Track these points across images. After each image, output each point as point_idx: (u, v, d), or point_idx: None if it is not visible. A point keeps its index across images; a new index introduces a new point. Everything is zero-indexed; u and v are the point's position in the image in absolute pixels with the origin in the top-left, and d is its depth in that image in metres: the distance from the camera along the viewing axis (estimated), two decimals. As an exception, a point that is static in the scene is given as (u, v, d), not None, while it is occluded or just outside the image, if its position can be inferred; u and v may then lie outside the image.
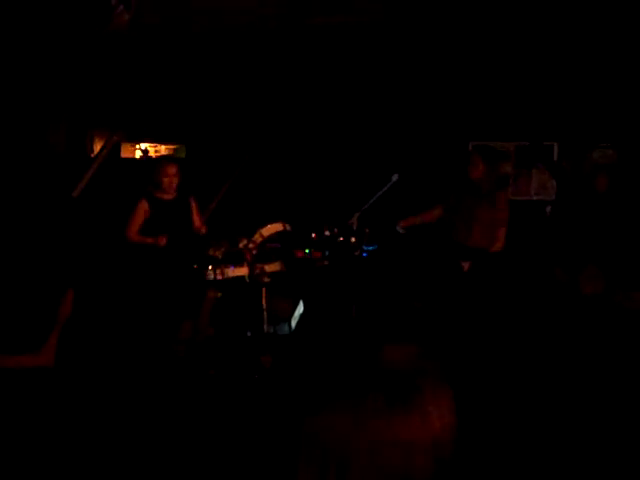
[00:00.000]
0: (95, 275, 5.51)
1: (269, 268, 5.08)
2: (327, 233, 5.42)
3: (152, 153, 7.40)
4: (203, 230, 5.43)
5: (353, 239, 5.15)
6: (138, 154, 7.41)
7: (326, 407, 0.96)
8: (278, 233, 5.17)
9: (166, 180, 5.22)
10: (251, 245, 4.97)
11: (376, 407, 1.00)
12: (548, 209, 7.47)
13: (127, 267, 5.35)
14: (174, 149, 7.51)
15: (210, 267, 4.93)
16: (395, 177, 5.08)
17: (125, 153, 7.37)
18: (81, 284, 4.93)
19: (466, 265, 5.37)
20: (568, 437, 3.79)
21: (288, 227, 5.21)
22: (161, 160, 5.85)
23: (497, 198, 5.47)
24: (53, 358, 4.34)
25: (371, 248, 5.31)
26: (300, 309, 5.41)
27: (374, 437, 0.98)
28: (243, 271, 5.01)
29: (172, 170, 5.26)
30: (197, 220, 5.45)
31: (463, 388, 4.42)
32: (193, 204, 5.47)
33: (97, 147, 7.11)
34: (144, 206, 5.23)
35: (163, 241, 5.09)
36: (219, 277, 4.94)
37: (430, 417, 1.03)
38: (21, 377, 3.91)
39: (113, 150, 6.95)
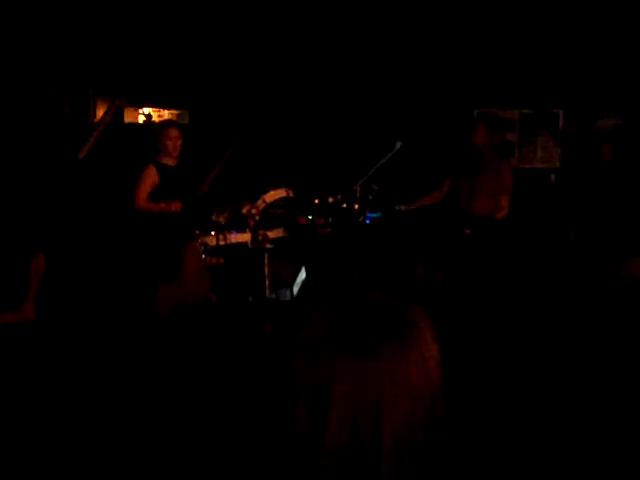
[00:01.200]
0: (77, 234, 5.56)
1: (272, 234, 5.08)
2: (330, 200, 5.41)
3: (155, 118, 7.36)
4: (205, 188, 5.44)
5: (356, 206, 5.14)
6: (141, 119, 7.38)
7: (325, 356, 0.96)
8: (281, 199, 5.16)
9: (169, 143, 5.16)
10: (254, 211, 4.96)
11: (375, 347, 1.01)
12: (552, 177, 7.45)
13: (129, 231, 5.35)
14: (177, 114, 7.48)
15: (213, 232, 4.94)
16: (399, 144, 5.06)
17: (128, 118, 7.34)
18: (60, 243, 5.01)
19: (468, 232, 5.37)
20: (563, 414, 3.83)
21: (291, 193, 5.20)
22: (162, 123, 5.78)
23: (501, 166, 5.46)
24: (33, 313, 4.42)
25: (374, 215, 5.30)
26: (302, 275, 5.42)
27: (389, 377, 0.99)
28: (246, 237, 5.01)
29: (175, 132, 5.21)
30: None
31: (461, 358, 4.46)
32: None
33: (100, 112, 7.08)
34: (152, 172, 5.17)
35: (177, 207, 5.05)
36: (222, 243, 4.95)
37: (429, 354, 1.05)
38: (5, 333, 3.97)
39: (116, 115, 6.92)
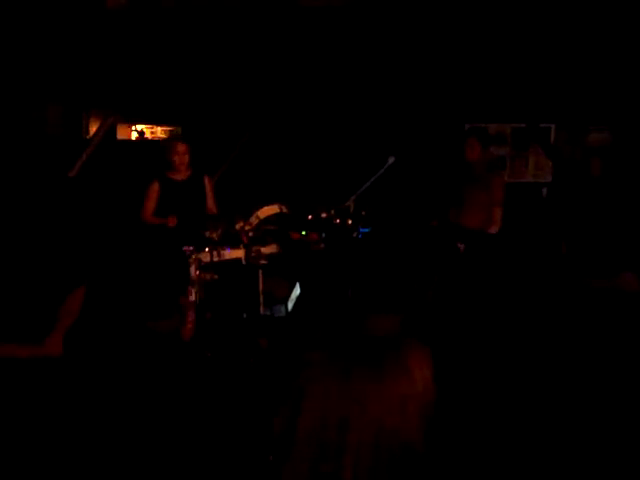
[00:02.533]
0: (106, 267, 5.51)
1: (265, 250, 5.07)
2: (323, 215, 5.42)
3: (148, 134, 7.38)
4: (214, 210, 5.53)
5: (349, 221, 5.15)
6: (134, 135, 7.39)
7: (316, 374, 0.95)
8: (275, 215, 5.16)
9: (177, 158, 5.39)
10: (247, 227, 4.96)
11: (363, 369, 0.99)
12: (544, 191, 7.48)
13: (133, 250, 5.41)
14: (170, 131, 7.49)
15: (207, 249, 4.93)
16: (391, 159, 5.08)
17: (121, 134, 7.35)
18: (92, 276, 4.94)
19: (462, 247, 5.38)
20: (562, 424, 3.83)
21: (284, 209, 5.20)
22: (171, 139, 6.03)
23: (493, 180, 5.48)
24: (60, 349, 4.34)
25: (366, 230, 5.31)
26: (297, 291, 5.41)
27: (366, 396, 0.97)
28: (239, 253, 5.00)
29: (182, 148, 5.42)
30: (210, 200, 5.54)
31: (456, 370, 4.46)
32: (207, 184, 5.56)
33: (93, 129, 7.08)
34: (155, 187, 5.40)
35: (173, 222, 5.21)
36: (215, 259, 4.94)
37: (413, 374, 1.02)
38: (27, 367, 3.92)
39: (109, 131, 6.92)
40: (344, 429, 1.00)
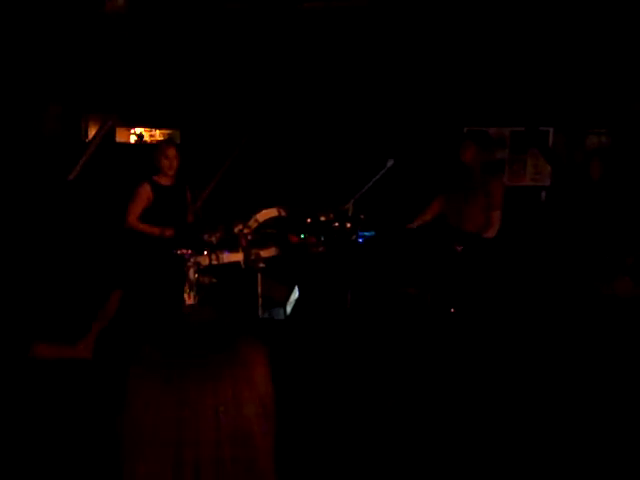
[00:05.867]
0: (140, 274, 5.47)
1: (264, 253, 5.07)
2: (322, 218, 5.41)
3: (147, 138, 7.38)
4: (190, 219, 5.49)
5: (348, 225, 5.15)
6: (133, 139, 7.39)
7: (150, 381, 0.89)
8: (273, 218, 5.16)
9: (166, 162, 5.24)
10: (246, 230, 4.96)
11: (197, 372, 0.91)
12: (543, 194, 7.48)
13: (126, 255, 5.37)
14: (169, 134, 7.49)
15: (205, 252, 4.93)
16: (390, 163, 5.08)
17: (120, 138, 7.35)
18: (127, 283, 4.90)
19: (460, 248, 5.38)
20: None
21: (283, 212, 5.20)
22: (160, 142, 5.90)
23: (491, 183, 5.48)
24: (91, 351, 4.30)
25: (367, 234, 5.31)
26: (295, 294, 5.41)
27: (203, 402, 0.91)
28: (238, 256, 5.00)
29: (171, 152, 5.29)
30: (189, 210, 5.52)
31: (458, 372, 4.45)
32: (188, 193, 5.51)
33: (92, 132, 7.08)
34: (147, 191, 5.25)
35: (171, 233, 5.14)
36: (214, 262, 4.93)
37: (251, 373, 0.94)
38: (58, 368, 3.89)
39: (108, 135, 6.93)
40: (179, 439, 0.96)
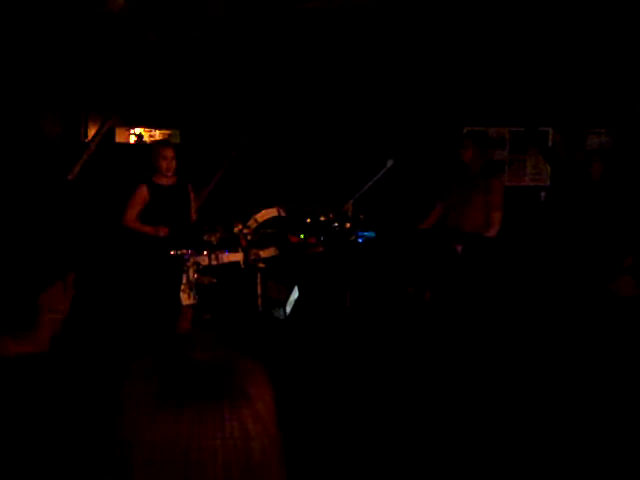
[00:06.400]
0: (91, 262, 5.49)
1: (264, 253, 5.07)
2: (322, 218, 5.41)
3: (146, 138, 7.38)
4: (194, 218, 5.50)
5: (348, 225, 5.15)
6: (132, 139, 7.39)
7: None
8: (273, 218, 5.16)
9: (164, 163, 5.25)
10: (246, 230, 4.96)
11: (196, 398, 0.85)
12: (542, 195, 7.48)
13: (122, 253, 5.36)
14: (168, 134, 7.49)
15: (205, 252, 4.93)
16: (390, 163, 5.08)
17: (119, 138, 7.35)
18: (78, 270, 4.90)
19: (459, 248, 5.38)
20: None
21: (283, 212, 5.21)
22: (157, 143, 5.90)
23: (491, 183, 5.48)
24: (47, 344, 4.28)
25: (367, 234, 5.31)
26: (295, 294, 5.41)
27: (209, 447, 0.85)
28: (238, 257, 5.00)
29: (169, 153, 5.30)
30: (193, 209, 5.51)
31: (456, 373, 4.45)
32: (191, 192, 5.52)
33: (91, 132, 7.08)
34: (143, 192, 5.27)
35: (165, 232, 5.13)
36: (214, 262, 4.93)
37: (253, 400, 0.88)
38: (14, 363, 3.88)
39: (107, 135, 6.93)
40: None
